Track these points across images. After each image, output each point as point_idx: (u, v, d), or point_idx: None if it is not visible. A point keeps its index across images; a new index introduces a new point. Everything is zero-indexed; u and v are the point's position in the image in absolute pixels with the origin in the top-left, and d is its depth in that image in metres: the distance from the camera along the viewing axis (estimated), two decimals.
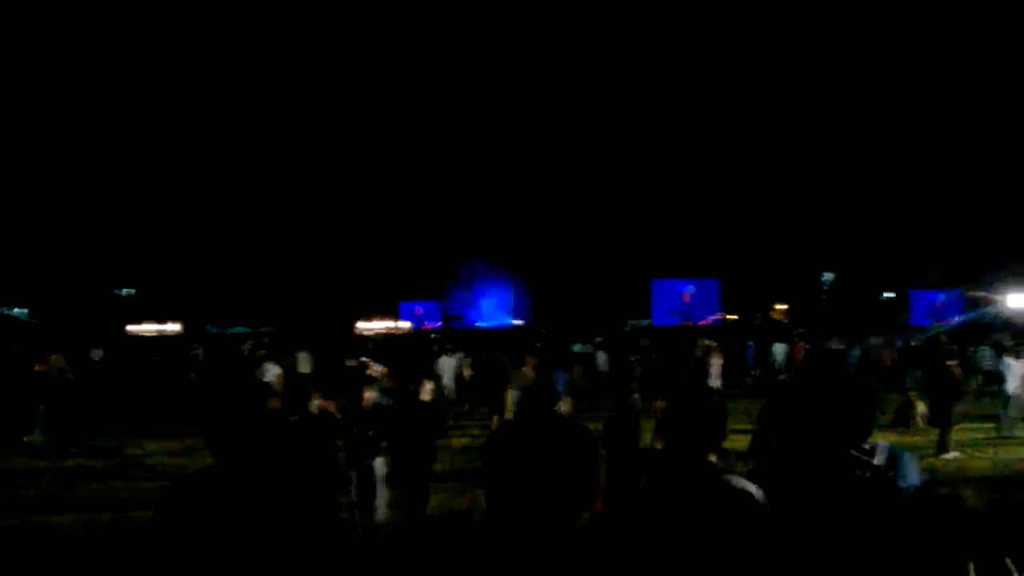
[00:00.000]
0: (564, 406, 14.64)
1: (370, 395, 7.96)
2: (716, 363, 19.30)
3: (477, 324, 50.14)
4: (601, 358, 21.51)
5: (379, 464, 7.66)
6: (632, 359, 16.72)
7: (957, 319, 41.14)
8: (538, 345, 23.60)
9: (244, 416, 2.85)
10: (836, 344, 25.63)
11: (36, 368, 14.80)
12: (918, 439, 13.28)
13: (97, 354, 25.23)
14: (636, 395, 14.72)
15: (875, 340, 27.39)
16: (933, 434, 13.96)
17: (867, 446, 2.50)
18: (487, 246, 52.74)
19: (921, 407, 14.89)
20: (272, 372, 16.26)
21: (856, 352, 24.74)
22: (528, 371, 12.10)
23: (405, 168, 51.21)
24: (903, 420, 14.85)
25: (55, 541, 7.89)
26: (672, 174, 52.51)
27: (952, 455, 11.96)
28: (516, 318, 52.60)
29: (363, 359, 17.01)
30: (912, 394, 15.49)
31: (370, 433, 7.51)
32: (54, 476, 11.27)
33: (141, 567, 2.90)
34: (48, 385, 14.31)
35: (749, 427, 11.48)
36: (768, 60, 50.86)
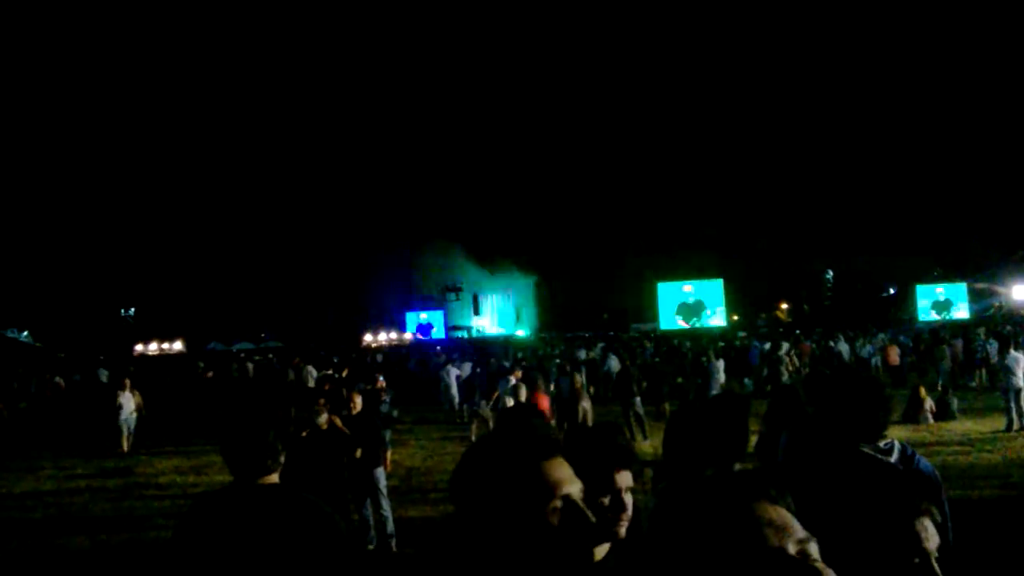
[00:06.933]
0: (585, 406, 14.45)
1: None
2: (719, 365, 19.32)
3: (483, 333, 50.09)
4: (613, 363, 21.41)
5: (380, 474, 7.68)
6: (637, 363, 16.70)
7: (963, 313, 41.04)
8: (550, 351, 23.66)
9: (266, 434, 2.88)
10: (841, 342, 25.55)
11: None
12: (926, 435, 13.29)
13: (104, 375, 25.26)
14: (638, 399, 14.71)
15: (881, 336, 27.34)
16: (942, 429, 13.98)
17: (883, 444, 2.51)
18: (492, 255, 52.75)
19: (929, 402, 14.86)
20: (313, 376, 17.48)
21: (868, 348, 24.57)
22: (515, 380, 12.21)
23: (410, 180, 51.24)
24: (912, 416, 14.80)
25: (70, 563, 7.88)
26: (675, 178, 52.53)
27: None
28: (520, 327, 52.57)
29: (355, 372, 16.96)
30: (921, 389, 15.41)
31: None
32: (66, 496, 11.28)
33: None
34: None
35: (754, 428, 11.53)
36: (767, 65, 50.88)
